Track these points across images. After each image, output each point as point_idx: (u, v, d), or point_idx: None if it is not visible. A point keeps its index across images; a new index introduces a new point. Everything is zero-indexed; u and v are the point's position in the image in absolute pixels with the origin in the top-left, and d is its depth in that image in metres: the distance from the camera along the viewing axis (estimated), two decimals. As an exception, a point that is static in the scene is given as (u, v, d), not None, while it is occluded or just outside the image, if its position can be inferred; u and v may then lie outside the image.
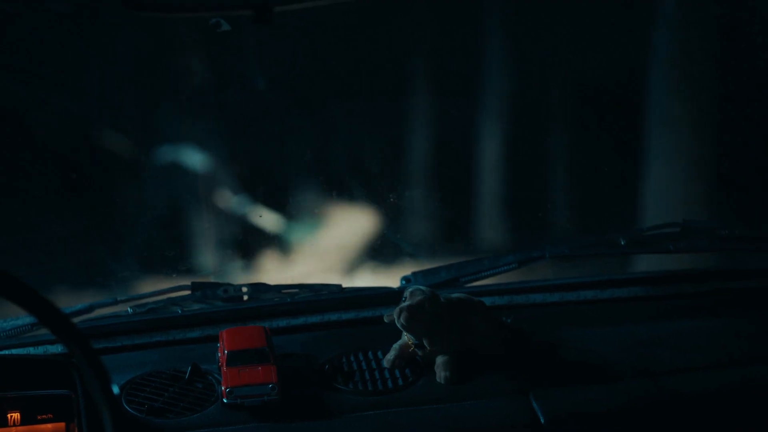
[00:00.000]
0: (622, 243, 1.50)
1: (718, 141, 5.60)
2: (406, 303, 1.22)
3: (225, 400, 1.15)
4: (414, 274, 1.60)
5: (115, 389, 1.17)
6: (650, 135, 5.71)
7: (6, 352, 1.30)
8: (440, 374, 1.23)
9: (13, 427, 1.04)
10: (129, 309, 1.46)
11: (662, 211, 5.54)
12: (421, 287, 1.24)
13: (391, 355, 1.26)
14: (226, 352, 1.19)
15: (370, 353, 1.29)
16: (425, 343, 1.23)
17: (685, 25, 5.45)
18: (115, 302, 1.54)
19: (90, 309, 1.48)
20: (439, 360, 1.23)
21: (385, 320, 1.26)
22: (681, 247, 1.55)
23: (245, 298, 1.53)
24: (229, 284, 1.55)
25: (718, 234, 1.60)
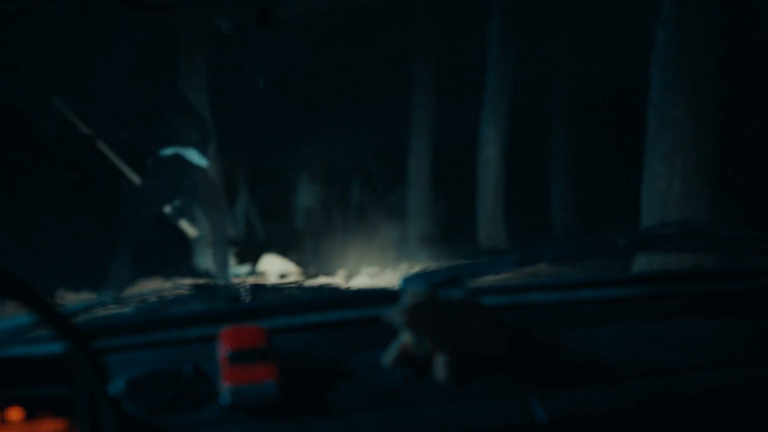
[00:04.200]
0: (623, 243, 1.49)
1: (718, 143, 5.63)
2: (407, 303, 1.22)
3: (225, 400, 1.15)
4: (414, 273, 1.60)
5: (116, 389, 1.17)
6: (651, 136, 5.74)
7: (6, 351, 1.30)
8: (440, 374, 1.23)
9: (13, 426, 1.04)
10: (130, 308, 1.46)
11: (663, 211, 5.55)
12: (421, 287, 1.24)
13: (391, 355, 1.26)
14: (226, 351, 1.19)
15: (370, 353, 1.29)
16: (425, 343, 1.23)
17: (687, 28, 5.46)
18: (116, 301, 1.54)
19: (91, 308, 1.48)
20: (439, 360, 1.23)
21: (386, 320, 1.26)
22: (682, 247, 1.55)
23: (246, 297, 1.53)
24: (230, 283, 1.55)
25: (718, 234, 1.60)
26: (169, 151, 6.53)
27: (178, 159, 6.51)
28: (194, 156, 6.56)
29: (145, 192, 6.53)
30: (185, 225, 7.03)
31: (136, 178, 6.77)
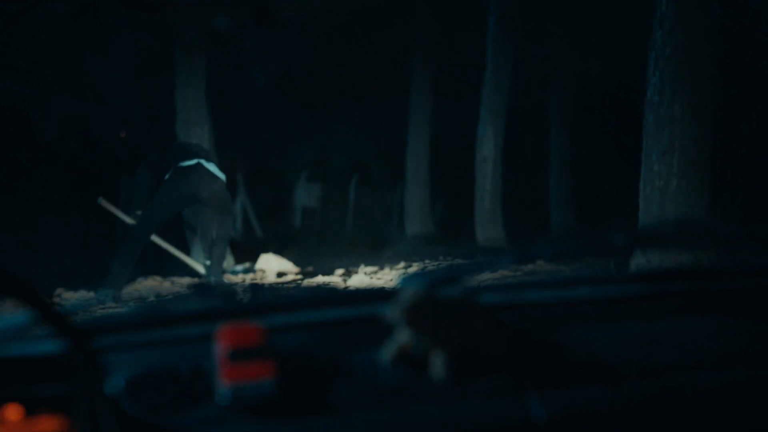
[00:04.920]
0: (621, 241, 1.49)
1: (716, 141, 5.64)
2: (406, 302, 1.22)
3: (224, 399, 1.15)
4: (413, 273, 1.60)
5: (115, 387, 1.17)
6: (648, 135, 5.75)
7: (5, 349, 1.30)
8: (439, 373, 1.22)
9: (12, 425, 1.04)
10: (128, 307, 1.46)
11: (660, 209, 5.56)
12: (420, 286, 1.24)
13: (389, 354, 1.26)
14: (225, 350, 1.19)
15: (369, 352, 1.29)
16: (424, 342, 1.23)
17: (684, 26, 5.47)
18: (115, 300, 1.54)
19: (90, 307, 1.48)
20: (438, 359, 1.23)
21: (384, 319, 1.26)
22: (680, 245, 1.55)
23: (245, 296, 1.53)
24: (229, 282, 1.56)
25: (716, 233, 1.60)
26: (191, 161, 6.76)
27: (200, 168, 6.75)
28: (214, 168, 6.81)
29: (161, 198, 6.65)
30: (185, 224, 7.10)
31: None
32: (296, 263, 8.44)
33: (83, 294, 6.03)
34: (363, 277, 6.99)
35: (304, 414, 1.16)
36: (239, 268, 8.10)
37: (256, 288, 1.55)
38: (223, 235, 6.75)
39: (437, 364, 1.23)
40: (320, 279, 6.95)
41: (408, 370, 1.25)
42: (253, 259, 8.32)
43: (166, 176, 6.76)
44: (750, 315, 1.44)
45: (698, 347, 1.32)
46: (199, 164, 6.77)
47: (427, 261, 8.21)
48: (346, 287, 6.54)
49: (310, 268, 8.23)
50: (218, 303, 1.48)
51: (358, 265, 8.08)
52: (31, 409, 1.06)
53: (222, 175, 6.90)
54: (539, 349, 1.31)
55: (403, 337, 1.26)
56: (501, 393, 1.20)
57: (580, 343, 1.33)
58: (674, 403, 1.19)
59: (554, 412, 1.16)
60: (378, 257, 9.53)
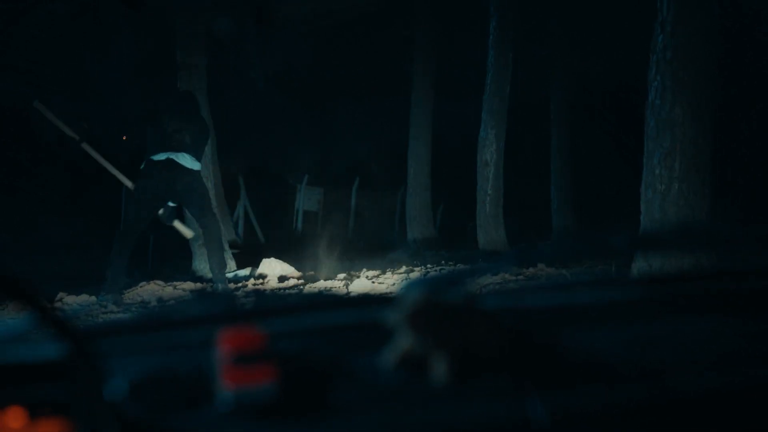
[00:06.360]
0: (622, 244, 1.50)
1: (717, 143, 5.65)
2: (407, 305, 1.22)
3: (225, 402, 1.15)
4: (415, 278, 1.60)
5: (116, 391, 1.17)
6: (649, 138, 5.76)
7: (6, 353, 1.30)
8: (440, 375, 1.23)
9: (13, 430, 1.04)
10: (130, 310, 1.47)
11: (661, 212, 5.56)
12: (421, 290, 1.24)
13: (390, 357, 1.26)
14: (226, 354, 1.19)
15: (369, 355, 1.29)
16: (425, 345, 1.23)
17: (685, 28, 5.47)
18: (116, 303, 1.55)
19: (92, 311, 1.48)
20: (439, 362, 1.24)
21: (385, 323, 1.26)
22: (681, 247, 1.56)
23: (246, 299, 1.53)
24: (229, 286, 1.56)
25: (717, 235, 1.61)
26: (161, 157, 6.66)
27: (171, 163, 6.62)
28: (187, 161, 6.66)
29: (138, 195, 6.61)
30: (180, 226, 7.06)
31: (128, 182, 6.81)
32: (298, 267, 8.43)
33: (85, 298, 6.02)
34: (365, 282, 6.98)
35: (305, 416, 1.16)
36: (242, 272, 8.07)
37: (258, 292, 1.55)
38: (210, 240, 6.65)
39: (439, 367, 1.24)
40: (322, 283, 6.93)
41: (410, 372, 1.25)
42: (255, 263, 8.30)
43: (141, 166, 6.70)
44: (750, 315, 1.44)
45: (698, 347, 1.32)
46: (169, 160, 6.64)
47: (429, 266, 8.22)
48: (348, 292, 6.53)
49: (311, 273, 8.22)
50: (220, 307, 1.48)
51: (359, 270, 8.07)
52: (32, 412, 1.06)
53: (197, 166, 6.79)
54: (540, 350, 1.32)
55: (405, 340, 1.26)
56: (502, 394, 1.20)
57: (580, 343, 1.33)
58: (674, 403, 1.19)
59: (555, 412, 1.16)
60: (380, 261, 9.53)
